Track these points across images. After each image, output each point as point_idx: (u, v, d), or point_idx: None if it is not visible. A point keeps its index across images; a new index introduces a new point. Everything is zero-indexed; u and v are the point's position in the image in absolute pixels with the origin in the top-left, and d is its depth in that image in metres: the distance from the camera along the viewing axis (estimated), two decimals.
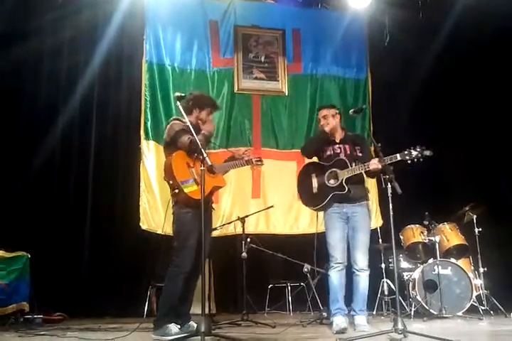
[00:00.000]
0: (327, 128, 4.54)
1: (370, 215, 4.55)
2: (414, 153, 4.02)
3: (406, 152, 4.07)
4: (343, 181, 4.33)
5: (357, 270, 4.34)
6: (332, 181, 4.39)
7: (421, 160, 4.00)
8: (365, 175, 4.50)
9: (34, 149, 6.36)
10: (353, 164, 4.37)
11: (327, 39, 7.59)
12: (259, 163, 4.38)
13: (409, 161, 4.05)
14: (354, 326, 4.30)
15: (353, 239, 4.38)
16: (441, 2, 7.32)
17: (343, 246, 4.36)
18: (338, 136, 4.59)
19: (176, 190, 3.85)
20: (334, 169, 4.40)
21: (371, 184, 7.14)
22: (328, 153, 4.52)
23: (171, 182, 3.92)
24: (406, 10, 7.41)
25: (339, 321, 4.21)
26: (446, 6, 7.24)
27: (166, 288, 3.98)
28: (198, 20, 7.25)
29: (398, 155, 4.09)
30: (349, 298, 4.43)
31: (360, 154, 4.49)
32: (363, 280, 4.33)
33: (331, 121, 4.55)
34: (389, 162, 4.09)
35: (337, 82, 7.63)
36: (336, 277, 4.33)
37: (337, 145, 4.53)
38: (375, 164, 4.19)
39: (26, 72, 6.57)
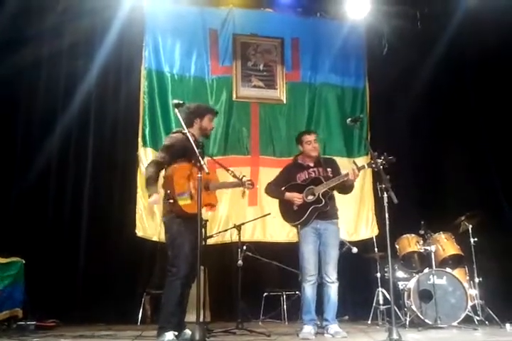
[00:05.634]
0: (314, 153, 4.88)
1: (339, 233, 4.84)
2: (379, 161, 4.23)
3: (372, 162, 4.28)
4: (320, 195, 4.66)
5: (328, 282, 4.64)
6: (310, 197, 4.70)
7: (386, 166, 4.19)
8: (337, 192, 4.83)
9: (31, 155, 6.36)
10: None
11: (325, 48, 7.62)
12: (250, 186, 4.44)
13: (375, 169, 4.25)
14: (330, 335, 4.51)
15: (324, 254, 4.69)
16: (440, 12, 7.38)
17: (315, 259, 4.68)
18: (313, 160, 4.92)
19: (171, 200, 3.92)
20: (311, 186, 4.72)
21: (367, 193, 7.21)
22: (304, 177, 4.84)
23: (168, 191, 3.96)
24: (404, 20, 7.47)
25: (308, 329, 4.53)
26: (444, 16, 7.29)
27: (165, 296, 4.00)
28: (198, 28, 7.28)
29: (366, 164, 4.50)
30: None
31: (331, 175, 4.77)
32: (333, 291, 4.64)
33: (316, 146, 4.92)
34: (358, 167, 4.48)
35: (335, 90, 7.63)
36: (309, 290, 4.64)
37: (311, 169, 4.87)
38: (352, 174, 4.51)
39: (24, 79, 6.58)
